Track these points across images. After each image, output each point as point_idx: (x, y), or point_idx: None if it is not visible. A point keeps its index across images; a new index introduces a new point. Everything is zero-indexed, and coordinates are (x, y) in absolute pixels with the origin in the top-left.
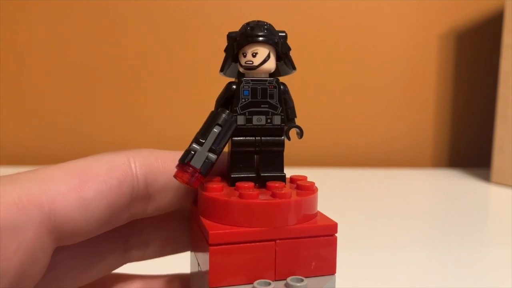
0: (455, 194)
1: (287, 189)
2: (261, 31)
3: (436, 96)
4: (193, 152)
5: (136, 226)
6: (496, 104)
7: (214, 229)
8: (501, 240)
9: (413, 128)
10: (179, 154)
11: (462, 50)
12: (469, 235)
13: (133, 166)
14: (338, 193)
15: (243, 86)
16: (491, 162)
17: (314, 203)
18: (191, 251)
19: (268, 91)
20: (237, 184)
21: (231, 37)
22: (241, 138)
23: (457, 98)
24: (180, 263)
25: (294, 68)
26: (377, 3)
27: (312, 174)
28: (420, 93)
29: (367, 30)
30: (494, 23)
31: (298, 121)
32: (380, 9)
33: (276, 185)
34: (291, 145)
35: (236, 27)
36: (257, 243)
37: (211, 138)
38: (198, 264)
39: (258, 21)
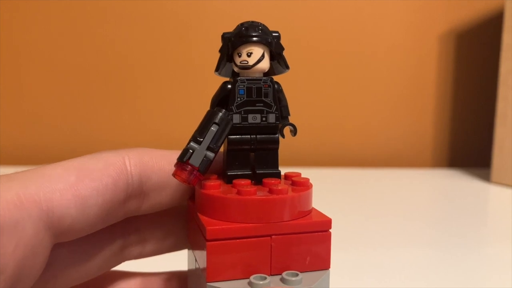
0: (455, 194)
1: (283, 185)
2: (255, 32)
3: (436, 96)
4: (191, 151)
5: (134, 224)
6: (496, 104)
7: (211, 225)
8: (501, 240)
9: (413, 128)
10: (173, 154)
11: (462, 50)
12: (469, 235)
13: (127, 164)
14: (338, 193)
15: (239, 85)
16: (491, 162)
17: (309, 198)
18: (189, 248)
19: (263, 90)
20: (234, 181)
21: (225, 37)
22: (237, 136)
23: (457, 98)
24: (178, 261)
25: (287, 67)
26: (377, 3)
27: (312, 174)
28: (420, 93)
29: (367, 30)
30: (494, 23)
31: (299, 121)
32: (379, 9)
33: (272, 181)
34: (292, 145)
35: (232, 28)
36: (254, 239)
37: (209, 136)
38: (196, 260)
39: (252, 21)
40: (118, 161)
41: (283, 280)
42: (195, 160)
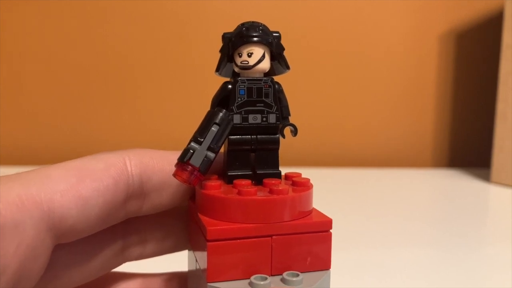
0: (455, 194)
1: (283, 185)
2: (256, 32)
3: (436, 96)
4: (192, 151)
5: (134, 224)
6: (496, 104)
7: (212, 225)
8: (501, 240)
9: (413, 128)
10: (174, 154)
11: (462, 50)
12: (469, 235)
13: (128, 165)
14: (338, 193)
15: (239, 85)
16: (491, 162)
17: (310, 199)
18: (189, 249)
19: (264, 90)
20: (235, 181)
21: (226, 37)
22: (238, 136)
23: (457, 98)
24: (179, 261)
25: (288, 67)
26: (377, 3)
27: (312, 174)
28: (420, 93)
29: (367, 30)
30: (494, 23)
31: (299, 121)
32: (379, 9)
33: (273, 181)
34: (292, 145)
35: (232, 28)
36: (254, 239)
37: (209, 136)
38: (196, 261)
39: (253, 21)
40: (118, 162)
41: (283, 281)
42: (196, 161)
